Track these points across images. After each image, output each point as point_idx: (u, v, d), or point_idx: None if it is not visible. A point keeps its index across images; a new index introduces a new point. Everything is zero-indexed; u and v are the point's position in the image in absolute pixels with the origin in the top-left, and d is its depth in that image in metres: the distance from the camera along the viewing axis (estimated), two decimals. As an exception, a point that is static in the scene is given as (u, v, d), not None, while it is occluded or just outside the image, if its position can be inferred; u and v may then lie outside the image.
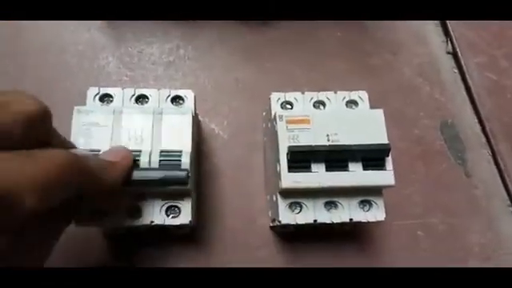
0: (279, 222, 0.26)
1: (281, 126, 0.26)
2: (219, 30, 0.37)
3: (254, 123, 0.34)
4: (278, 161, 0.26)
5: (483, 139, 0.36)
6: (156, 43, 0.37)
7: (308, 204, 0.26)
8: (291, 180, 0.25)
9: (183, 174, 0.24)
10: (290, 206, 0.26)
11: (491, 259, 0.33)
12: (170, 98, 0.27)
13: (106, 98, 0.27)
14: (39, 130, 0.18)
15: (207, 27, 0.37)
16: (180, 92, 0.28)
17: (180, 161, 0.24)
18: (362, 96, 0.28)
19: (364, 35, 0.39)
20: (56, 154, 0.17)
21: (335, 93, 0.28)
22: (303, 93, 0.28)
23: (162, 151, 0.24)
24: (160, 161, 0.24)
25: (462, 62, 0.38)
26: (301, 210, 0.26)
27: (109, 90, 0.27)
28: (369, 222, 0.27)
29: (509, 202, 0.34)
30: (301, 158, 0.25)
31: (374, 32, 0.39)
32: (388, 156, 0.26)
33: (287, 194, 0.26)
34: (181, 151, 0.24)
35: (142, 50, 0.36)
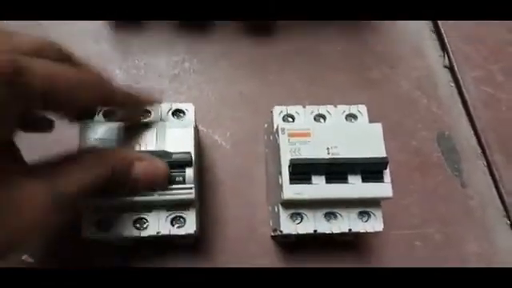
0: (280, 231, 0.27)
1: (283, 139, 0.27)
2: (224, 44, 0.38)
3: (256, 135, 0.35)
4: (279, 173, 0.27)
5: (479, 151, 0.37)
6: (162, 56, 0.38)
7: (308, 215, 0.27)
8: (293, 191, 0.26)
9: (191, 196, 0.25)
10: (291, 216, 0.27)
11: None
12: (171, 112, 0.28)
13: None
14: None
15: (212, 41, 0.38)
16: (181, 105, 0.29)
17: (184, 175, 0.25)
18: (361, 110, 0.29)
19: (364, 49, 0.40)
20: None
21: (335, 106, 0.29)
22: (304, 106, 0.30)
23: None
24: None
25: (459, 76, 0.39)
26: (301, 221, 0.27)
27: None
28: (367, 233, 0.28)
29: (504, 213, 0.35)
30: (302, 171, 0.26)
31: (373, 46, 0.40)
32: (386, 169, 0.27)
33: (288, 204, 0.27)
34: (184, 166, 0.25)
35: (148, 62, 0.37)
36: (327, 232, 0.27)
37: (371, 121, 0.29)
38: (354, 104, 0.30)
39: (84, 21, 0.37)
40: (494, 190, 0.36)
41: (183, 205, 0.27)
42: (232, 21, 0.39)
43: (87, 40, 0.38)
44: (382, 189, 0.27)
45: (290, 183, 0.26)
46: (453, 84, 0.39)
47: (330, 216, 0.28)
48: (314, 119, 0.29)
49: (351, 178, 0.27)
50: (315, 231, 0.27)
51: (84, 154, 0.22)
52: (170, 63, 0.37)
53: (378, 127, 0.28)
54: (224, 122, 0.36)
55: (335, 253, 0.32)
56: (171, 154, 0.25)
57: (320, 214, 0.27)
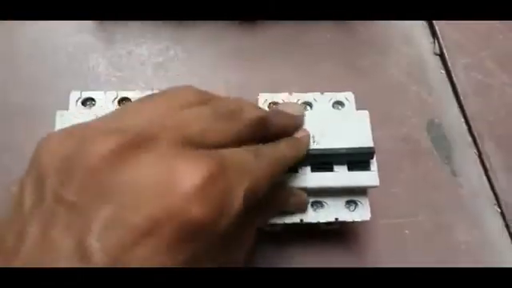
0: None
1: None
2: (209, 32, 0.37)
3: (243, 123, 0.34)
4: None
5: (469, 138, 0.37)
6: (145, 44, 0.37)
7: None
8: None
9: None
10: None
11: (477, 257, 0.33)
12: None
13: (88, 102, 0.27)
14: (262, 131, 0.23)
15: (197, 29, 0.37)
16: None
17: None
18: (348, 97, 0.29)
19: (353, 36, 0.39)
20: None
21: (322, 94, 0.29)
22: (291, 94, 0.29)
23: None
24: None
25: (449, 63, 0.38)
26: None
27: (91, 94, 0.27)
28: (354, 222, 0.27)
29: (494, 201, 0.35)
30: None
31: (362, 33, 0.39)
32: (372, 159, 0.26)
33: None
34: None
35: (132, 50, 0.36)
36: (313, 221, 0.26)
37: (360, 108, 0.28)
38: (345, 91, 0.29)
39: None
40: (484, 178, 0.36)
41: None
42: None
43: (69, 29, 0.37)
44: (369, 177, 0.26)
45: None
46: (443, 71, 0.39)
47: (316, 205, 0.27)
48: None
49: (337, 167, 0.26)
50: (301, 220, 0.26)
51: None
52: (154, 51, 0.37)
53: (365, 114, 0.27)
54: (210, 111, 0.35)
55: (323, 243, 0.32)
56: None
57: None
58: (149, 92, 0.27)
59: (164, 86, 0.35)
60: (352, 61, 0.38)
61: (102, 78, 0.35)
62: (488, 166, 0.36)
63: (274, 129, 0.24)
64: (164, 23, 0.37)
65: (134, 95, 0.27)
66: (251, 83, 0.36)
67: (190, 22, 0.38)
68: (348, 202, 0.27)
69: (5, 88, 0.34)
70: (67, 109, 0.26)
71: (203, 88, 0.36)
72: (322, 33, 0.39)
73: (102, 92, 0.27)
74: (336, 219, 0.27)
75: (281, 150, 0.23)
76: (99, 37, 0.37)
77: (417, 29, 0.40)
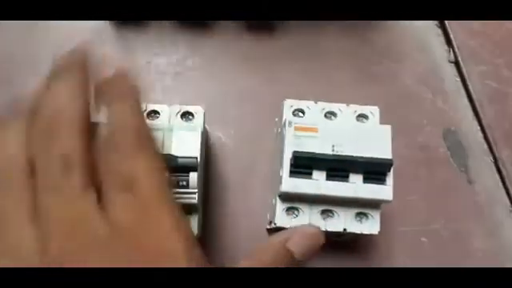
0: (275, 224, 0.27)
1: (289, 132, 0.27)
2: (226, 41, 0.38)
3: (260, 132, 0.35)
4: (281, 165, 0.27)
5: (485, 146, 0.37)
6: (163, 54, 0.37)
7: (305, 210, 0.27)
8: (291, 184, 0.26)
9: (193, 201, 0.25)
10: (288, 210, 0.27)
11: (494, 264, 0.33)
12: (179, 114, 0.28)
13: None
14: None
15: (214, 38, 0.38)
16: (190, 108, 0.28)
17: (188, 179, 0.25)
18: (373, 111, 0.29)
19: (367, 44, 0.39)
20: None
21: (347, 105, 0.29)
22: (316, 102, 0.29)
23: (171, 170, 0.25)
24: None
25: (464, 71, 0.39)
26: (297, 216, 0.27)
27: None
28: (362, 234, 0.27)
29: (511, 208, 0.35)
30: (303, 164, 0.26)
31: (377, 41, 0.40)
32: (390, 171, 0.26)
33: (286, 198, 0.27)
34: (189, 170, 0.25)
35: (150, 61, 0.37)
36: (321, 229, 0.27)
37: (381, 122, 0.29)
38: (359, 99, 0.29)
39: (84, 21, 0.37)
40: (501, 185, 0.36)
41: (185, 209, 0.26)
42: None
43: (89, 38, 0.37)
44: (383, 191, 0.26)
45: (290, 176, 0.26)
46: (458, 79, 0.39)
47: (326, 214, 0.27)
48: (325, 116, 0.29)
49: (352, 177, 0.26)
50: None
51: None
52: (172, 61, 0.37)
53: (387, 129, 0.27)
54: (227, 119, 0.35)
55: (336, 250, 0.32)
56: (177, 157, 0.25)
57: (316, 210, 0.27)
58: (177, 107, 0.28)
59: (182, 95, 0.36)
60: (366, 69, 0.38)
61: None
62: (505, 173, 0.36)
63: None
64: (181, 33, 0.38)
65: (161, 108, 0.28)
66: (268, 91, 0.36)
67: (206, 32, 0.38)
68: (358, 214, 0.27)
69: (22, 92, 0.35)
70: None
71: (220, 97, 0.36)
72: (336, 40, 0.39)
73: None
74: (344, 229, 0.27)
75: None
76: (117, 47, 0.38)
77: (432, 36, 0.41)
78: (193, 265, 0.16)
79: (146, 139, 0.18)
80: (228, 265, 0.31)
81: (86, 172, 0.16)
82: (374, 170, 0.26)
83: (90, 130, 0.18)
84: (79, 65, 0.20)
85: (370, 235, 0.32)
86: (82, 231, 0.15)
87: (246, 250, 0.32)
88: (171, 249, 0.15)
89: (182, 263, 0.15)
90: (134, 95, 0.20)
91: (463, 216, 0.34)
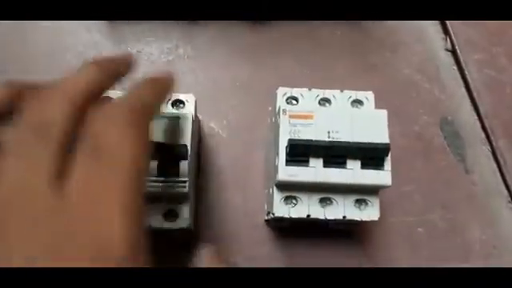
0: (273, 214, 0.27)
1: (283, 120, 0.26)
2: (219, 30, 0.37)
3: (254, 122, 0.34)
4: (277, 153, 0.26)
5: (483, 135, 0.36)
6: (155, 43, 0.37)
7: (303, 199, 0.26)
8: (288, 173, 0.25)
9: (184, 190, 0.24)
10: (286, 199, 0.27)
11: (492, 256, 0.33)
12: (170, 102, 0.27)
13: None
14: None
15: (207, 27, 0.37)
16: (181, 96, 0.28)
17: (179, 167, 0.24)
18: (368, 96, 0.28)
19: (363, 33, 0.39)
20: None
21: (341, 91, 0.28)
22: (310, 89, 0.29)
23: (160, 157, 0.24)
24: (158, 165, 0.24)
25: (461, 59, 0.38)
26: (295, 205, 0.27)
27: (109, 93, 0.27)
28: (362, 221, 0.27)
29: (509, 199, 0.34)
30: (299, 152, 0.25)
31: (373, 30, 0.39)
32: (387, 156, 0.26)
33: (283, 187, 0.27)
34: (180, 158, 0.24)
35: (142, 49, 0.36)
36: (321, 218, 0.26)
37: (376, 108, 0.28)
38: (355, 89, 0.29)
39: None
40: (498, 175, 0.35)
41: (177, 198, 0.26)
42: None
43: (79, 28, 0.37)
44: (382, 176, 0.26)
45: (286, 164, 0.25)
46: (455, 67, 0.38)
47: (325, 201, 0.27)
48: (319, 103, 0.28)
49: (350, 164, 0.26)
50: (308, 216, 0.26)
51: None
52: (164, 50, 0.36)
53: (383, 114, 0.27)
54: (220, 109, 0.35)
55: (333, 240, 0.31)
56: (167, 145, 0.24)
57: (315, 198, 0.26)
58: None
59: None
60: (363, 58, 0.38)
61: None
62: (502, 162, 0.35)
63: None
64: (173, 22, 0.37)
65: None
66: (262, 81, 0.36)
67: (200, 21, 0.37)
68: (358, 201, 0.27)
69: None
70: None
71: (213, 86, 0.36)
72: (332, 30, 0.38)
73: (119, 92, 0.27)
74: (344, 217, 0.26)
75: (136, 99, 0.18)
76: (109, 36, 0.37)
77: (428, 25, 0.40)
78: (127, 260, 0.14)
79: (145, 122, 0.17)
80: (220, 252, 0.31)
81: (59, 140, 0.15)
82: (372, 156, 0.26)
83: (88, 102, 0.17)
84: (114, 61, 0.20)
85: (366, 225, 0.32)
86: (27, 200, 0.14)
87: (242, 240, 0.32)
88: (108, 236, 0.14)
89: (116, 253, 0.14)
90: (164, 86, 0.20)
91: (460, 206, 0.34)
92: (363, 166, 0.25)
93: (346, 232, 0.32)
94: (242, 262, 0.31)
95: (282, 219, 0.27)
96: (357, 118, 0.26)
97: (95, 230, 0.14)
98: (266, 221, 0.32)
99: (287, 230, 0.31)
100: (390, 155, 0.26)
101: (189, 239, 0.30)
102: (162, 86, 0.20)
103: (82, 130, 0.16)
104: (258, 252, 0.31)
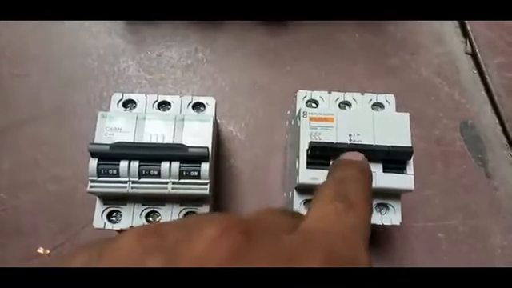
0: None
1: (304, 123, 0.26)
2: (237, 34, 0.38)
3: (272, 125, 0.34)
4: (297, 156, 0.26)
5: (504, 140, 0.36)
6: (175, 47, 0.37)
7: None
8: (308, 176, 0.25)
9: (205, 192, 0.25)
10: (305, 203, 0.26)
11: (514, 261, 0.32)
12: (191, 105, 0.28)
13: (129, 104, 0.27)
14: None
15: (225, 31, 0.38)
16: (201, 99, 0.28)
17: (200, 169, 0.24)
18: (389, 99, 0.28)
19: (382, 36, 0.39)
20: None
21: (362, 94, 0.28)
22: (330, 92, 0.29)
23: (181, 160, 0.25)
24: (180, 167, 0.24)
25: (482, 63, 0.38)
26: None
27: (132, 96, 0.27)
28: (384, 226, 0.26)
29: (531, 204, 0.34)
30: (320, 155, 0.25)
31: (392, 33, 0.39)
32: (410, 159, 0.25)
33: (303, 190, 0.26)
34: (200, 161, 0.25)
35: (161, 53, 0.37)
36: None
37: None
38: (374, 92, 0.28)
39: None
40: (520, 180, 0.35)
41: (197, 200, 0.26)
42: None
43: (100, 32, 0.37)
44: (404, 180, 0.25)
45: (307, 167, 0.25)
46: (475, 71, 0.38)
47: None
48: (339, 106, 0.28)
49: (372, 167, 0.25)
50: None
51: None
52: (183, 54, 0.37)
53: (405, 117, 0.26)
54: (239, 112, 0.35)
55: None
56: (188, 147, 0.24)
57: None
58: (189, 97, 0.28)
59: (192, 88, 0.35)
60: (382, 61, 0.37)
61: (133, 80, 0.36)
62: (524, 168, 0.35)
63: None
64: (192, 26, 0.38)
65: (173, 99, 0.28)
66: (280, 84, 0.36)
67: (218, 24, 0.38)
68: (379, 205, 0.27)
69: (39, 88, 0.35)
70: (101, 109, 0.27)
71: (232, 89, 0.36)
72: (350, 33, 0.38)
73: (143, 95, 0.27)
74: None
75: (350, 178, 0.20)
76: (129, 39, 0.37)
77: (448, 28, 0.40)
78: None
79: (369, 197, 0.19)
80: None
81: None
82: (394, 159, 0.25)
83: None
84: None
85: (387, 230, 0.32)
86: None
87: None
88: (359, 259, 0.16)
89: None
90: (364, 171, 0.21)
91: (481, 211, 0.33)
92: (385, 170, 0.25)
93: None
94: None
95: None
96: (379, 120, 0.26)
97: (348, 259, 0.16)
98: None
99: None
100: (412, 159, 0.25)
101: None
102: (364, 171, 0.21)
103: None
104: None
